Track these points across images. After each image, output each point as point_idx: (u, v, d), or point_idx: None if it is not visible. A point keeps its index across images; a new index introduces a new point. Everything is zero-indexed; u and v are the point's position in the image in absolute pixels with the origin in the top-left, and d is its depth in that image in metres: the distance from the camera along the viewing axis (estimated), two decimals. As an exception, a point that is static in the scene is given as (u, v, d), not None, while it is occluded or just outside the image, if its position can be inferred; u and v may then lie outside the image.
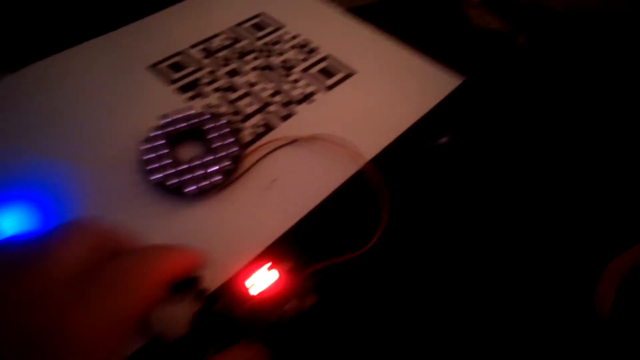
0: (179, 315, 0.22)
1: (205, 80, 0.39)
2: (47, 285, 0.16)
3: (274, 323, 0.24)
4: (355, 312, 0.26)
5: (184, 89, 0.38)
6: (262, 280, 0.25)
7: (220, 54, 0.42)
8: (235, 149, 0.33)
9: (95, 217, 0.20)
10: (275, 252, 0.29)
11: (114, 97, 0.37)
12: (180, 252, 0.21)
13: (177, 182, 0.31)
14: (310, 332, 0.25)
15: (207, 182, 0.31)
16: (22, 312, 0.15)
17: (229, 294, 0.24)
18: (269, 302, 0.24)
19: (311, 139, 0.35)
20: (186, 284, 0.22)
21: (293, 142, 0.34)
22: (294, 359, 0.24)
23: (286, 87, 0.39)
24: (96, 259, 0.18)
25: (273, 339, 0.23)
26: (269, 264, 0.26)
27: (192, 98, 0.38)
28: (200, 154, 0.32)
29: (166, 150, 0.32)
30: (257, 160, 0.33)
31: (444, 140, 0.34)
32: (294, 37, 0.44)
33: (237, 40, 0.43)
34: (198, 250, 0.22)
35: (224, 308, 0.24)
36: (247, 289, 0.24)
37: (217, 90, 0.38)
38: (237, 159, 0.32)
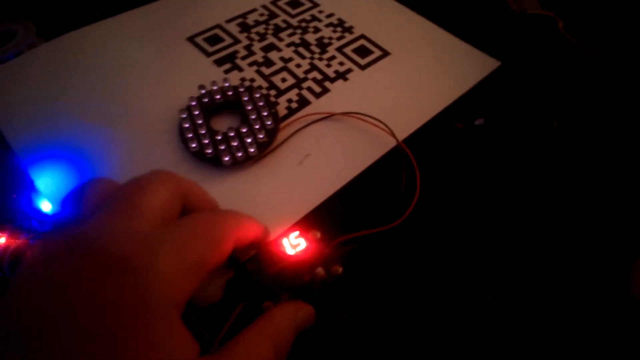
0: (212, 281, 0.23)
1: (241, 54, 0.39)
2: (135, 224, 0.17)
3: (301, 288, 0.24)
4: (381, 285, 0.27)
5: (220, 62, 0.39)
6: (290, 246, 0.25)
7: (256, 29, 0.42)
8: (270, 122, 0.33)
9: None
10: (305, 222, 0.29)
11: (154, 66, 0.38)
12: (254, 222, 0.22)
13: (214, 152, 0.31)
14: (336, 301, 0.26)
15: (242, 154, 0.31)
16: (111, 247, 0.16)
17: (259, 255, 0.25)
18: (297, 267, 0.24)
19: (345, 116, 0.35)
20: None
21: (327, 117, 0.35)
22: (316, 325, 0.24)
23: (321, 64, 0.39)
24: (176, 205, 0.20)
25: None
26: (297, 232, 0.26)
27: (229, 71, 0.38)
28: (236, 126, 0.33)
29: (203, 121, 0.33)
30: (292, 134, 0.34)
31: (479, 122, 0.33)
32: (329, 16, 0.44)
33: (272, 17, 0.43)
34: (265, 227, 0.23)
35: (254, 267, 0.24)
36: (277, 252, 0.25)
37: (252, 64, 0.39)
38: (271, 132, 0.33)
